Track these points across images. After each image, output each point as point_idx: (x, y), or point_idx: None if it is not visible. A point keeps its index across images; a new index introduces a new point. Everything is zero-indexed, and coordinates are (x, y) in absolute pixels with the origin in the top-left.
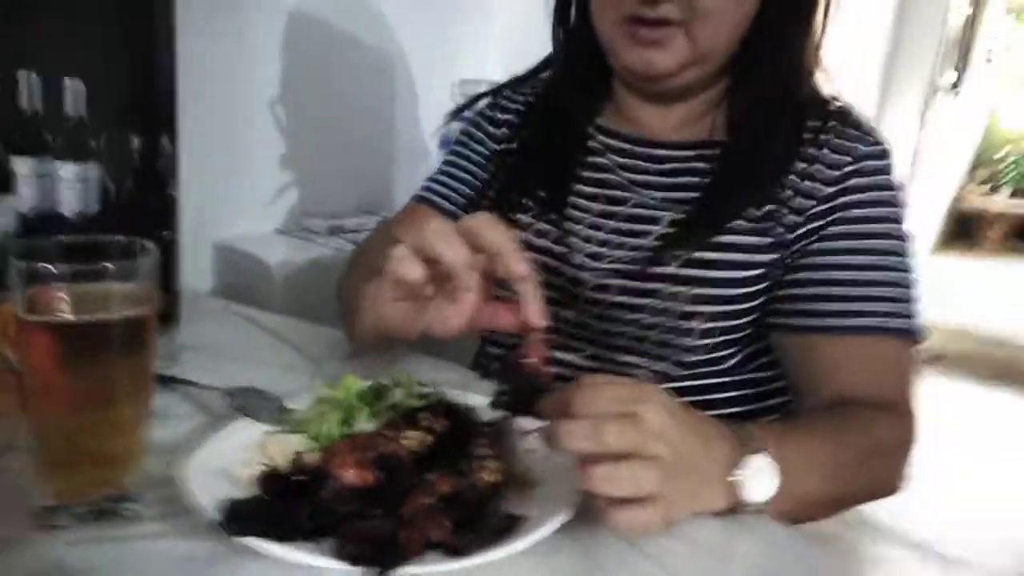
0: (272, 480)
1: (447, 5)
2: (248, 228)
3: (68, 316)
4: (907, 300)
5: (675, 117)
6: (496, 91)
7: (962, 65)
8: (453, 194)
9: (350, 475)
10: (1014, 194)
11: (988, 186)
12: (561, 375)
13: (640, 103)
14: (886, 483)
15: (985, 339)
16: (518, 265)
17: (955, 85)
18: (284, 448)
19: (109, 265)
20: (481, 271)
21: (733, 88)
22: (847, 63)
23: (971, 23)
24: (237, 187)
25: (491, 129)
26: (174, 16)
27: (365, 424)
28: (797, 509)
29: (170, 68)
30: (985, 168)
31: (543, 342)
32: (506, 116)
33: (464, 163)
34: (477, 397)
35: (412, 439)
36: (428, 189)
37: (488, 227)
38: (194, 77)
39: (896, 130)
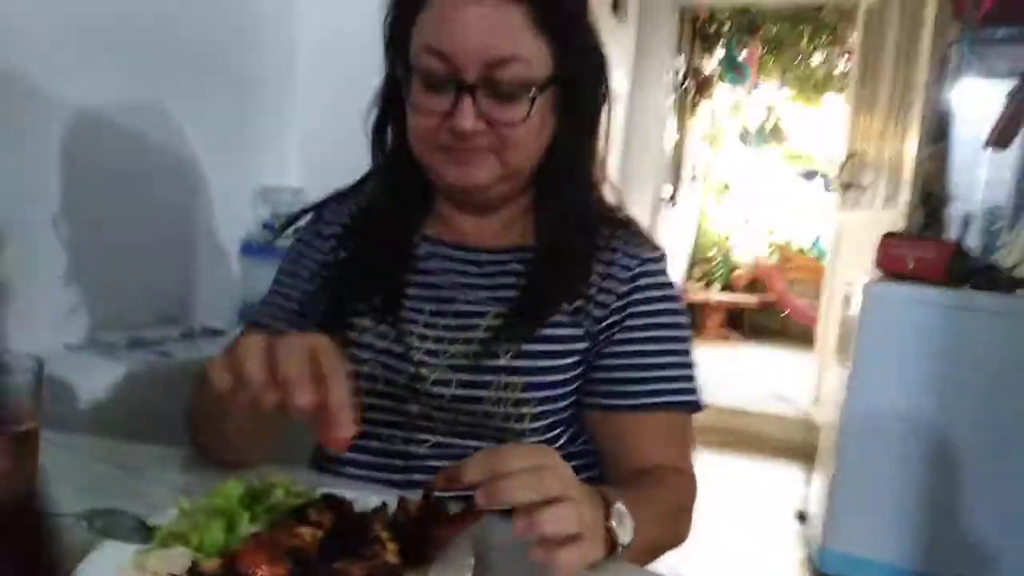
0: None
1: (243, 111)
2: (39, 347)
3: None
4: (691, 377)
5: (491, 226)
6: (320, 205)
7: (676, 181)
8: (287, 315)
9: (264, 572)
10: (723, 288)
11: (703, 282)
12: (407, 466)
13: (460, 214)
14: (683, 534)
15: (713, 411)
16: (337, 391)
17: (672, 198)
18: (167, 563)
19: None
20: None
21: (538, 199)
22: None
23: (679, 147)
24: (26, 303)
25: (318, 243)
26: None
27: (248, 528)
28: (632, 555)
29: None
30: (701, 266)
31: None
32: (332, 229)
33: (294, 281)
34: (348, 492)
35: (305, 535)
36: (262, 312)
37: (304, 349)
38: None
39: None
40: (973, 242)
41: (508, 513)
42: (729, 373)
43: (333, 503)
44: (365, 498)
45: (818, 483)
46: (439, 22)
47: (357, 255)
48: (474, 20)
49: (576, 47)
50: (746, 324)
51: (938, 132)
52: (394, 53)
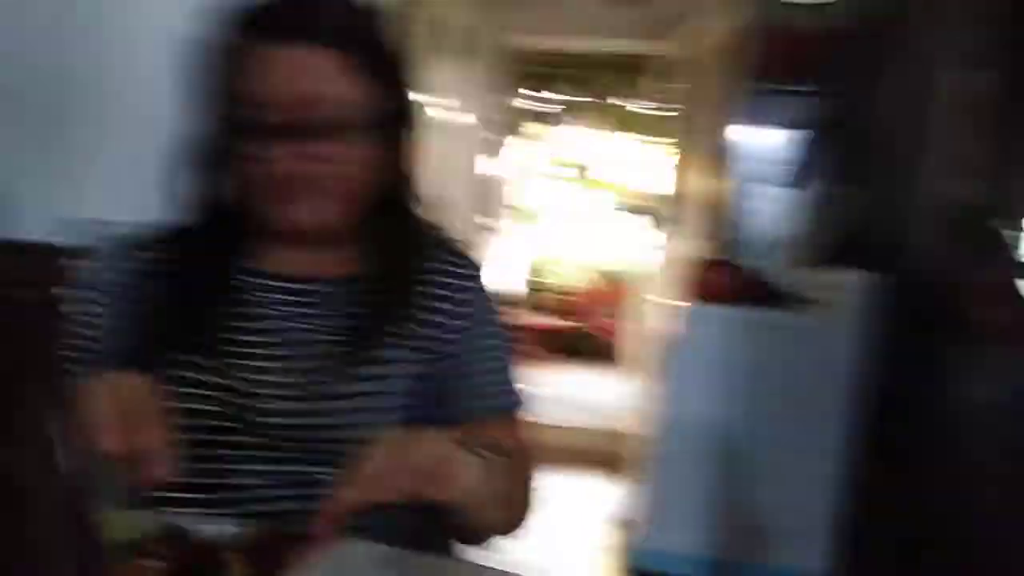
0: None
1: (51, 143)
2: None
3: None
4: (516, 381)
5: (320, 257)
6: (132, 242)
7: (498, 212)
8: (97, 356)
9: None
10: (545, 313)
11: (525, 307)
12: (243, 498)
13: (288, 248)
14: (529, 502)
15: (537, 430)
16: (148, 432)
17: (496, 228)
18: None
19: None
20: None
21: (364, 228)
22: None
23: (502, 180)
24: None
25: (131, 280)
26: None
27: None
28: (490, 505)
29: None
30: (523, 293)
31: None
32: (147, 267)
33: (104, 323)
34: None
35: (150, 570)
36: (72, 354)
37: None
38: None
39: None
40: (765, 268)
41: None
42: (551, 393)
43: (175, 534)
44: (206, 529)
45: (634, 489)
46: (254, 71)
47: (179, 293)
48: (288, 67)
49: (389, 83)
50: (566, 346)
51: (736, 172)
52: (206, 100)
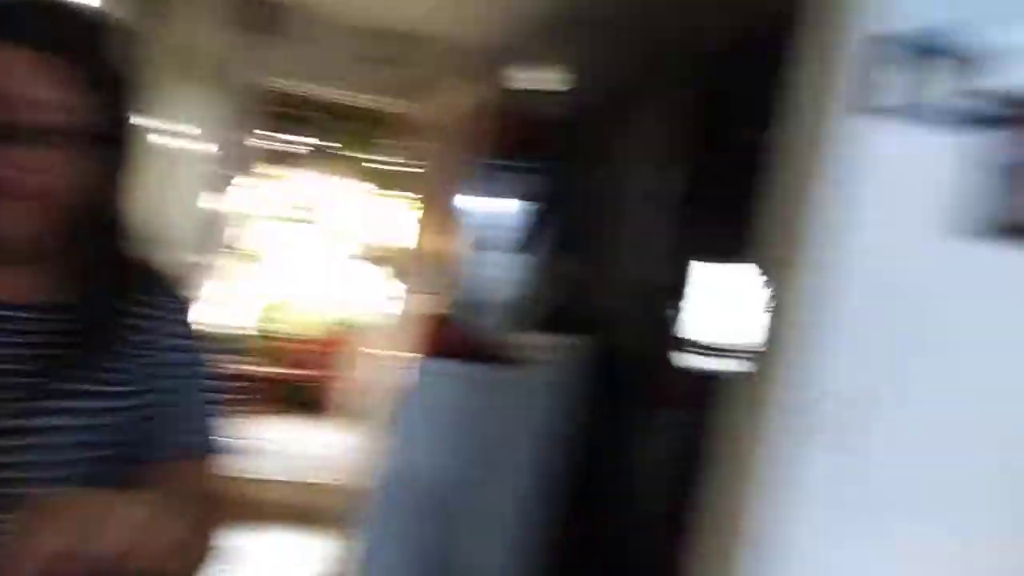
0: None
1: None
2: None
3: None
4: (215, 425)
5: (25, 281)
6: None
7: (226, 255)
8: None
9: None
10: (270, 362)
11: (252, 356)
12: None
13: None
14: (210, 548)
15: (255, 484)
16: None
17: (222, 272)
18: None
19: None
20: None
21: (72, 253)
22: None
23: (234, 222)
24: None
25: None
26: None
27: None
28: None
29: None
30: (249, 340)
31: None
32: None
33: None
34: None
35: None
36: None
37: None
38: None
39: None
40: (486, 327)
41: None
42: (268, 446)
43: None
44: None
45: (345, 545)
46: None
47: None
48: (5, 68)
49: (108, 97)
50: (288, 397)
51: (467, 235)
52: None
